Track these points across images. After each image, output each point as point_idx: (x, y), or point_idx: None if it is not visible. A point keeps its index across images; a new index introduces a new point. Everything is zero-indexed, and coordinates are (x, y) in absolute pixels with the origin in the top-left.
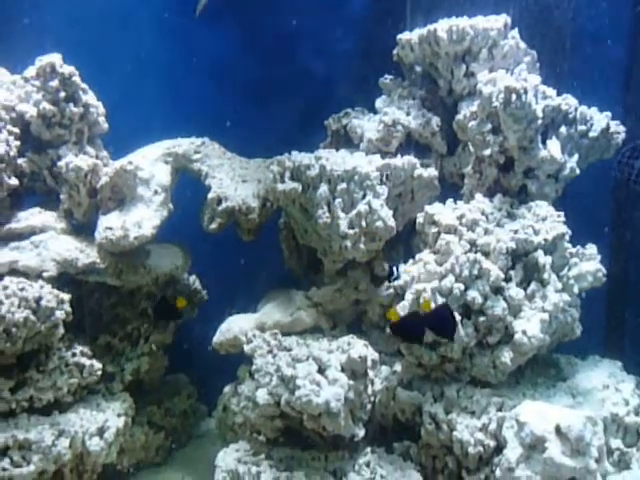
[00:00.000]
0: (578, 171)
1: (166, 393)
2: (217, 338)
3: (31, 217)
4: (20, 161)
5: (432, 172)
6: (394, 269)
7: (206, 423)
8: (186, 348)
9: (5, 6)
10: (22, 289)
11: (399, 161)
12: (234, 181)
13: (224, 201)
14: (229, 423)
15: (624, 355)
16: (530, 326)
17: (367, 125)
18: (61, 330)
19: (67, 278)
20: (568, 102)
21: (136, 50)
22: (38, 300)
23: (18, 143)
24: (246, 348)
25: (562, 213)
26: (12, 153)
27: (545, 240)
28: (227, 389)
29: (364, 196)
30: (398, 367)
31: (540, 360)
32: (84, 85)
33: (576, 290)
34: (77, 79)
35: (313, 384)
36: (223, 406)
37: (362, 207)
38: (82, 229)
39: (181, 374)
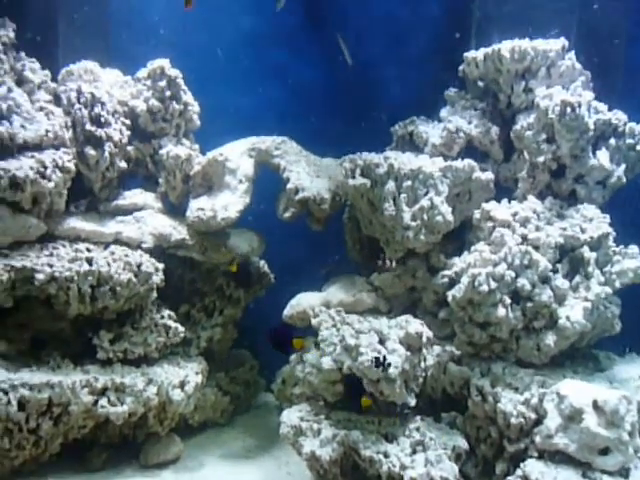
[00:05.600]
0: (624, 180)
1: (232, 363)
2: (287, 311)
3: (134, 196)
4: (128, 148)
5: (489, 175)
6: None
7: (263, 396)
8: (252, 326)
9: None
10: (126, 255)
11: (460, 164)
12: (309, 175)
13: (301, 191)
14: (287, 394)
15: None
16: (573, 313)
17: (432, 131)
18: (155, 294)
19: (158, 252)
20: (618, 117)
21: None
22: (139, 265)
23: (129, 133)
24: (313, 321)
25: (607, 215)
26: (124, 141)
27: (591, 238)
28: (293, 357)
29: (427, 193)
30: (448, 348)
31: (580, 354)
32: (185, 86)
33: (618, 285)
34: (180, 81)
35: (375, 352)
36: (282, 379)
37: (425, 202)
38: (174, 210)
39: (244, 350)
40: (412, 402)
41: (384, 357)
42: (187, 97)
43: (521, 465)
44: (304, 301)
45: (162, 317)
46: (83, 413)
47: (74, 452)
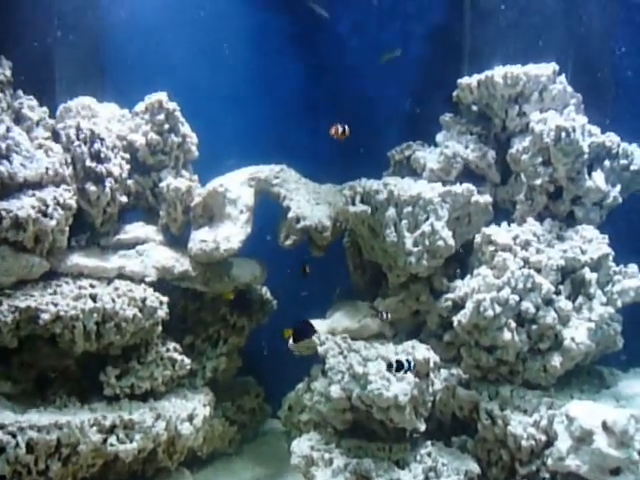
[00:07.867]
0: (620, 200)
1: (237, 392)
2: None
3: (135, 230)
4: (128, 182)
5: (487, 198)
6: (408, 363)
7: (269, 423)
8: (256, 353)
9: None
10: (130, 290)
11: (459, 188)
12: (309, 203)
13: (302, 220)
14: (294, 420)
15: None
16: (578, 334)
17: (429, 156)
18: (160, 327)
19: (162, 284)
20: (611, 139)
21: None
22: (144, 300)
23: (128, 167)
24: (320, 349)
25: (606, 236)
26: (124, 175)
27: (591, 259)
28: (300, 386)
29: (427, 218)
30: (455, 371)
31: (585, 371)
32: (182, 119)
33: (619, 304)
34: (178, 114)
35: (383, 380)
36: (288, 405)
37: (426, 228)
38: (176, 242)
39: (249, 377)
40: (422, 427)
41: (398, 361)
42: (185, 129)
43: None
44: None
45: (168, 350)
46: (92, 452)
47: None
